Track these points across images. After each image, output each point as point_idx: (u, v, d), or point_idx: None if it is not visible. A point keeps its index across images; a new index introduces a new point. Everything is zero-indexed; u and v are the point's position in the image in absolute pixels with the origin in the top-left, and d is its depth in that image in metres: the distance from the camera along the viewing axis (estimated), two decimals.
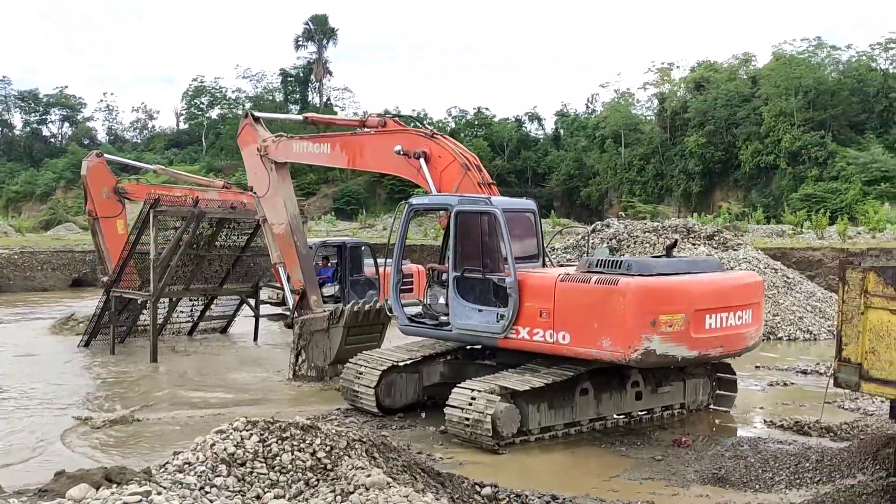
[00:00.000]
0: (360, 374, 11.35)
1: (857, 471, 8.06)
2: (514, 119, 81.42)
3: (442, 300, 11.36)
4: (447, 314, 11.07)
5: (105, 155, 19.40)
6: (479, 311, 10.72)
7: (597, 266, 10.19)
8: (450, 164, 11.91)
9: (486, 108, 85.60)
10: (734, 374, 12.12)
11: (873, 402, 11.63)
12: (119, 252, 16.83)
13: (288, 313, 18.83)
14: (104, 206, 18.00)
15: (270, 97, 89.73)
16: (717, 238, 22.87)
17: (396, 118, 13.54)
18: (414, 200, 12.11)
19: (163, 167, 23.21)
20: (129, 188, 18.52)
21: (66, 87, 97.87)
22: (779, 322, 19.16)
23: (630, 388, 11.07)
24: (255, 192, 14.56)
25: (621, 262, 10.16)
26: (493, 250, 10.68)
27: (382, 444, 7.13)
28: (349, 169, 15.95)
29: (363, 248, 22.16)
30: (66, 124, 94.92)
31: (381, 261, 22.31)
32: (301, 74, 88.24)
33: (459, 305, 10.85)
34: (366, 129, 13.51)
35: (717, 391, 12.03)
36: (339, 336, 13.51)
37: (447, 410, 9.98)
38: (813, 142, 54.63)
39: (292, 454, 6.07)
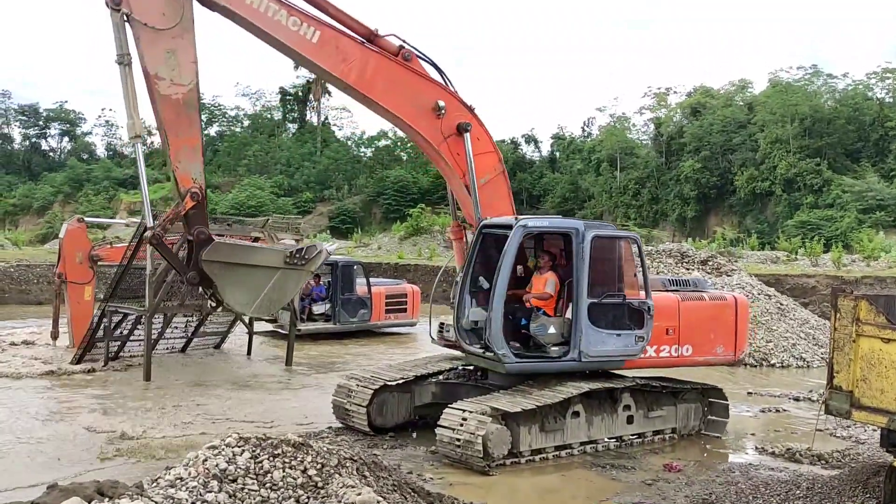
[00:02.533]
0: (352, 392, 11.34)
1: (847, 499, 8.07)
2: (510, 141, 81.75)
3: (553, 329, 10.75)
4: (562, 343, 10.72)
5: (86, 219, 19.58)
6: (618, 335, 10.80)
7: (672, 285, 12.14)
8: (488, 152, 11.36)
9: None
10: (726, 399, 12.16)
11: (865, 431, 11.64)
12: (84, 318, 17.06)
13: (282, 329, 18.82)
14: (76, 270, 18.03)
15: (269, 115, 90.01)
16: (710, 263, 22.93)
17: (424, 57, 11.04)
18: (530, 223, 10.70)
19: (135, 220, 23.07)
20: (103, 253, 18.57)
21: (66, 101, 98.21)
22: (772, 348, 19.20)
23: (622, 411, 11.10)
24: (143, 21, 9.12)
25: (689, 280, 12.77)
26: (628, 275, 11.05)
27: (373, 462, 7.15)
28: (344, 85, 10.48)
29: (356, 266, 22.25)
30: (66, 139, 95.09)
31: (373, 280, 22.46)
32: (300, 93, 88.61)
33: (594, 332, 10.64)
34: (373, 48, 10.66)
35: (709, 417, 12.05)
36: (298, 283, 10.45)
37: (438, 431, 9.98)
38: (808, 169, 54.91)
39: (283, 471, 6.08)
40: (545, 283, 11.05)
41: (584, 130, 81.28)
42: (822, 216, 50.15)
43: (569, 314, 10.79)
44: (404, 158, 78.48)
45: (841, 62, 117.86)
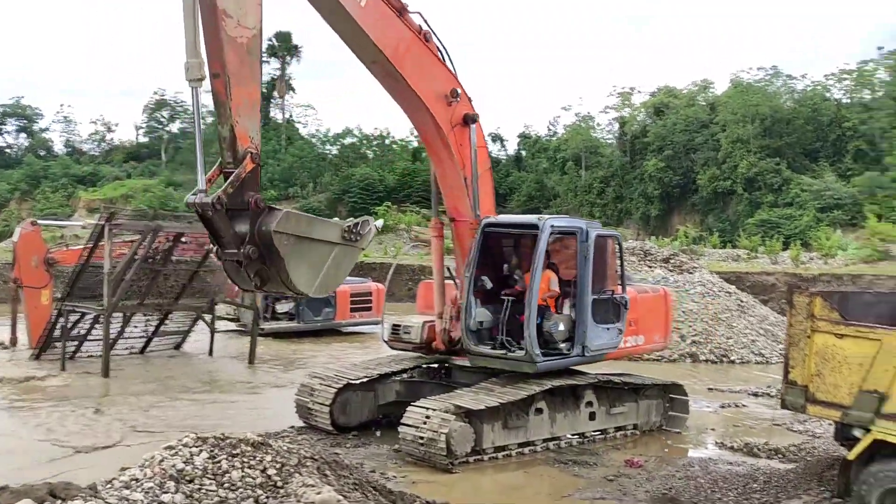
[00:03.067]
0: (315, 391, 11.28)
1: (803, 492, 8.20)
2: None
3: (562, 326, 10.81)
4: (567, 339, 10.90)
5: (40, 221, 19.23)
6: (607, 329, 11.29)
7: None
8: (482, 147, 11.35)
9: None
10: (687, 395, 12.30)
11: (821, 425, 11.83)
12: (42, 323, 16.80)
13: (245, 329, 18.55)
14: (32, 275, 17.71)
15: None
16: (672, 261, 23.16)
17: (441, 42, 10.64)
18: (556, 223, 10.90)
19: (91, 222, 22.58)
20: (58, 256, 18.27)
21: (23, 97, 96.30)
22: (732, 345, 19.44)
23: (584, 408, 11.17)
24: None
25: None
26: (612, 271, 11.50)
27: (334, 461, 7.12)
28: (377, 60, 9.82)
29: None
30: (23, 135, 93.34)
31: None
32: (264, 90, 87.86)
33: (594, 327, 11.02)
34: (406, 23, 10.24)
35: (670, 412, 12.17)
36: (353, 261, 8.86)
37: (401, 429, 9.96)
38: (769, 168, 55.70)
39: (242, 471, 6.02)
40: (548, 280, 11.05)
41: (549, 129, 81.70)
42: (781, 215, 50.90)
43: (565, 310, 11.03)
44: (370, 156, 78.23)
45: (800, 63, 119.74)
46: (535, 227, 10.81)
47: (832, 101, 61.26)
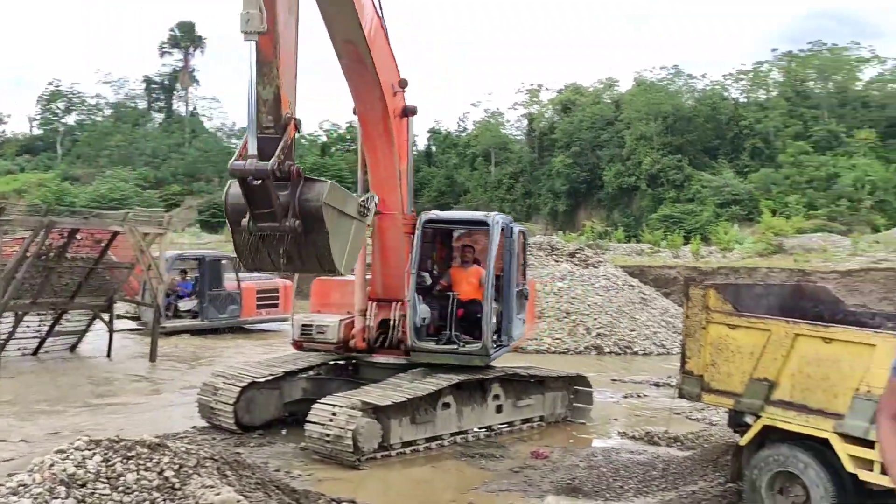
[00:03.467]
0: (218, 390, 11.03)
1: (699, 478, 8.48)
2: None
3: (494, 319, 10.83)
4: (497, 330, 11.01)
5: None
6: (521, 319, 11.71)
7: None
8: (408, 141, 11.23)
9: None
10: (591, 387, 12.55)
11: (717, 413, 12.24)
12: None
13: (145, 327, 17.98)
14: None
15: (133, 104, 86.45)
16: (578, 255, 23.62)
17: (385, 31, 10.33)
18: (500, 218, 11.15)
19: None
20: None
21: None
22: (635, 336, 19.96)
23: (491, 401, 11.27)
24: None
25: None
26: (520, 263, 11.65)
27: (235, 461, 6.97)
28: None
29: (224, 261, 21.60)
30: None
31: (243, 275, 21.86)
32: (166, 82, 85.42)
33: (514, 318, 11.31)
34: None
35: (575, 404, 12.40)
36: (364, 237, 9.13)
37: (307, 426, 9.83)
38: (671, 165, 57.41)
39: (138, 474, 5.83)
40: (478, 274, 11.13)
41: (459, 125, 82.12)
42: (683, 210, 52.56)
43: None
44: None
45: (700, 63, 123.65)
46: (484, 223, 11.12)
47: (730, 100, 63.59)
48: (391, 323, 11.07)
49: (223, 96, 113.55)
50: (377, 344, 11.19)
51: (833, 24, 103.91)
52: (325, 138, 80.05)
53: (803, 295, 9.39)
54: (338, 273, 7.74)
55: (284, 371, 11.35)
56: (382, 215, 10.87)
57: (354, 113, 10.84)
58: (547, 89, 73.46)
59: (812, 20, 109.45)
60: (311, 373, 11.59)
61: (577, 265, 22.88)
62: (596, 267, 22.93)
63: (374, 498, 8.58)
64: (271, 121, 7.37)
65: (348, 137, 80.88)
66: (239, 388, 10.88)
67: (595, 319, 20.16)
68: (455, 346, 10.76)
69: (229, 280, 21.29)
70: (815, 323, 7.22)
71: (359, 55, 9.78)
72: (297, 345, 11.72)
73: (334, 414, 9.71)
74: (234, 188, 7.45)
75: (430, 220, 11.10)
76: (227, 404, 10.88)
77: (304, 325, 11.49)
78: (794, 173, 52.12)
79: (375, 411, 9.81)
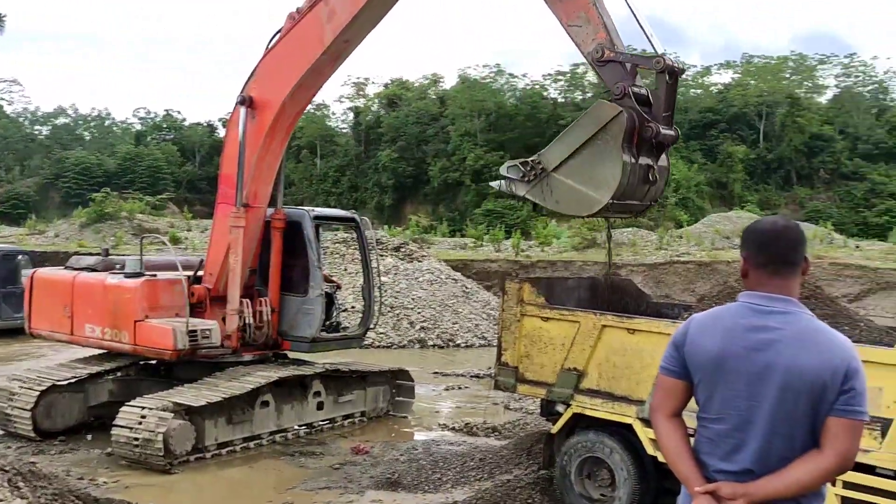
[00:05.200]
0: (14, 395, 10.21)
1: (514, 466, 8.71)
2: (206, 124, 78.94)
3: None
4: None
5: None
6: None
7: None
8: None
9: (178, 112, 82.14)
10: (412, 380, 12.63)
11: (534, 402, 12.65)
12: None
13: None
14: None
15: None
16: (403, 250, 23.75)
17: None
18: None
19: None
20: None
21: None
22: (458, 329, 20.31)
23: (312, 398, 11.10)
24: None
25: None
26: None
27: (30, 471, 6.47)
28: None
29: (21, 256, 20.08)
30: None
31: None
32: None
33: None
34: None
35: (397, 398, 12.44)
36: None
37: (114, 430, 9.29)
38: (494, 161, 58.89)
39: None
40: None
41: None
42: (504, 205, 54.17)
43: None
44: (87, 138, 72.71)
45: (521, 62, 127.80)
46: (353, 220, 12.45)
47: (549, 99, 66.21)
48: (265, 320, 10.87)
49: (25, 79, 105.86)
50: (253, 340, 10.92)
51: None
52: (139, 127, 76.37)
53: (613, 288, 9.85)
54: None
55: (89, 372, 10.67)
56: (252, 208, 10.61)
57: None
58: (373, 83, 73.70)
59: (626, 24, 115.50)
60: (119, 374, 10.95)
61: (401, 259, 23.00)
62: (420, 261, 23.14)
63: (186, 503, 8.23)
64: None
65: (165, 126, 77.64)
66: (38, 392, 10.14)
67: (419, 313, 20.35)
68: (342, 334, 11.80)
69: (28, 276, 19.73)
70: (620, 315, 7.58)
71: (346, 53, 10.26)
72: (177, 354, 10.21)
73: (143, 416, 9.25)
74: None
75: (318, 217, 11.56)
76: (25, 410, 10.10)
77: (191, 332, 10.18)
78: None
79: (188, 412, 9.42)
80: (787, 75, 71.97)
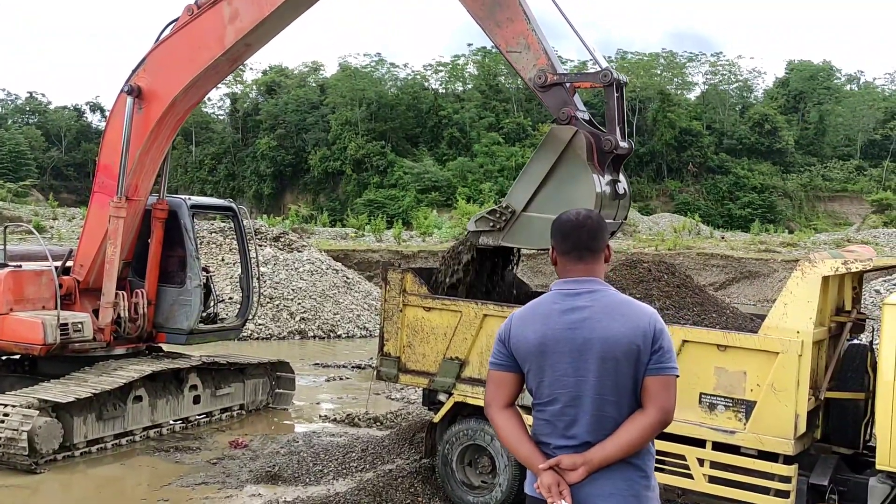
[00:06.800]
0: None
1: (396, 456, 8.74)
2: (73, 108, 75.31)
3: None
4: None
5: None
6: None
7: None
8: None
9: (42, 94, 77.99)
10: (293, 372, 12.47)
11: (416, 392, 12.74)
12: None
13: None
14: None
15: None
16: (282, 240, 23.37)
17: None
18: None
19: None
20: None
21: None
22: (339, 320, 20.18)
23: (188, 392, 10.79)
24: None
25: None
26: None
27: None
28: None
29: None
30: None
31: None
32: None
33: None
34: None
35: (277, 390, 12.26)
36: None
37: None
38: (375, 151, 58.92)
39: None
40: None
41: None
42: (386, 195, 54.23)
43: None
44: None
45: (404, 53, 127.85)
46: (230, 209, 12.28)
47: (430, 90, 66.52)
48: (141, 312, 10.55)
49: None
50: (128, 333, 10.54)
51: None
52: (0, 110, 72.09)
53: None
54: None
55: None
56: (132, 201, 10.19)
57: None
58: (251, 69, 72.06)
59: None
60: None
61: (281, 249, 22.63)
62: (300, 251, 22.84)
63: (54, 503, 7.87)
64: None
65: (28, 109, 73.69)
66: None
67: (299, 304, 20.10)
68: (219, 325, 11.56)
69: None
70: (500, 304, 7.70)
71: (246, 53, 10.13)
72: (47, 349, 9.67)
73: (6, 414, 8.77)
74: None
75: (195, 206, 11.45)
76: None
77: (62, 325, 9.69)
78: (487, 162, 55.83)
79: (55, 409, 8.99)
80: (659, 72, 74.88)
